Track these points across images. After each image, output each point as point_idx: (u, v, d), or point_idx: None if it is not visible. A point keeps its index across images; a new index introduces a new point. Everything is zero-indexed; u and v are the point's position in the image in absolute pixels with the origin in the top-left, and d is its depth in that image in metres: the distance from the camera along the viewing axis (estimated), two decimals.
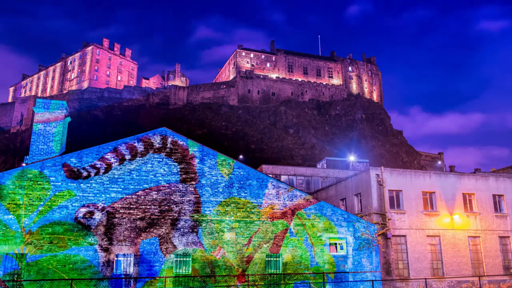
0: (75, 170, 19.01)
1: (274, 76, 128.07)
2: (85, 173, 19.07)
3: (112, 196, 19.07)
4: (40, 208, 18.17)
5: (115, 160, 19.54)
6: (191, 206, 19.90)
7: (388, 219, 24.41)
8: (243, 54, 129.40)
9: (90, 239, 18.36)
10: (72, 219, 18.37)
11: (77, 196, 18.69)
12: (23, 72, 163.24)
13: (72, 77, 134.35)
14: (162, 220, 19.39)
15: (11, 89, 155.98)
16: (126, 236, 18.80)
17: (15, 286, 17.15)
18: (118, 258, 18.65)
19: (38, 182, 18.49)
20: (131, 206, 19.19)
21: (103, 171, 19.28)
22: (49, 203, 18.31)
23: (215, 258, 19.58)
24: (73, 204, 18.56)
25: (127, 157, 19.71)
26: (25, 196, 18.18)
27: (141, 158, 19.88)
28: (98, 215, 18.71)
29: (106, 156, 19.46)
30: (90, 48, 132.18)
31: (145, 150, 20.03)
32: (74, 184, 18.81)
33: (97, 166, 19.28)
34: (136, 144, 19.99)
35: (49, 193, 18.45)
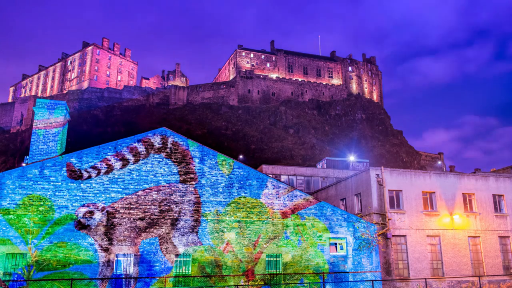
0: (76, 170, 19.01)
1: (274, 76, 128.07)
2: (86, 175, 19.07)
3: (112, 196, 19.07)
4: (40, 208, 18.17)
5: (116, 160, 19.52)
6: (191, 206, 19.90)
7: (388, 219, 24.40)
8: (243, 54, 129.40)
9: (90, 239, 18.36)
10: (72, 219, 18.37)
11: (77, 196, 18.69)
12: (23, 72, 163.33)
13: (72, 77, 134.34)
14: (162, 220, 19.40)
15: (11, 89, 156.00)
16: (126, 236, 18.80)
17: (16, 286, 17.15)
18: (118, 258, 18.66)
19: (38, 182, 18.50)
20: (131, 206, 19.19)
21: (104, 171, 19.29)
22: (49, 203, 18.32)
23: (215, 258, 19.58)
24: (73, 204, 18.56)
25: (130, 160, 19.71)
26: (25, 196, 18.19)
27: (143, 160, 19.89)
28: (98, 215, 18.71)
29: (109, 159, 19.45)
30: (90, 48, 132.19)
31: (146, 152, 20.03)
32: (74, 184, 18.81)
33: (98, 167, 19.28)
34: (137, 146, 19.97)
35: (49, 193, 18.46)
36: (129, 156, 19.75)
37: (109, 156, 19.50)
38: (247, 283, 19.59)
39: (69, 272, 17.78)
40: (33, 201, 18.21)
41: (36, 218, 18.03)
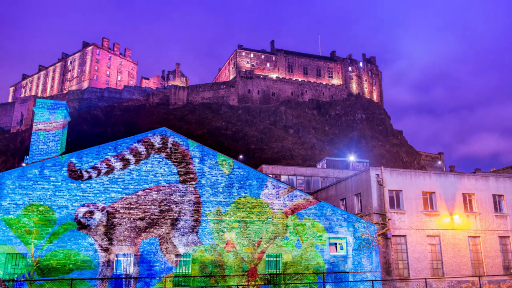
0: (77, 170, 19.01)
1: (274, 76, 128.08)
2: (86, 175, 19.07)
3: (112, 196, 19.07)
4: (40, 208, 18.17)
5: (116, 161, 19.53)
6: (191, 206, 19.90)
7: (388, 219, 24.40)
8: (243, 54, 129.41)
9: (90, 239, 18.36)
10: (72, 219, 18.37)
11: (77, 196, 18.69)
12: (23, 72, 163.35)
13: (72, 77, 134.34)
14: (162, 220, 19.40)
15: (11, 89, 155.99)
16: (126, 236, 18.80)
17: (16, 286, 17.14)
18: (118, 258, 18.65)
19: (38, 182, 18.50)
20: (131, 206, 19.19)
21: (104, 171, 19.29)
22: (49, 203, 18.32)
23: (215, 258, 19.58)
24: (73, 204, 18.56)
25: (131, 160, 19.70)
26: (25, 196, 18.19)
27: (143, 160, 19.90)
28: (98, 215, 18.71)
29: (110, 159, 19.45)
30: (90, 48, 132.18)
31: (147, 152, 20.03)
32: (74, 184, 18.81)
33: (99, 168, 19.29)
34: (138, 147, 19.97)
35: (49, 193, 18.46)
36: (129, 157, 19.75)
37: (110, 157, 19.50)
38: (247, 283, 19.59)
39: (69, 273, 17.77)
40: (33, 201, 18.20)
41: (36, 218, 18.02)
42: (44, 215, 18.13)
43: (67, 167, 18.97)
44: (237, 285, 19.33)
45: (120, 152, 19.68)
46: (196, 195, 20.10)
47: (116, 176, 19.34)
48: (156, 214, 19.39)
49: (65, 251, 17.95)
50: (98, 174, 19.17)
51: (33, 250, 17.68)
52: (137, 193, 19.42)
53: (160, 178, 19.83)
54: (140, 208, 19.26)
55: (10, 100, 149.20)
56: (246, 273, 19.75)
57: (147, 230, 19.11)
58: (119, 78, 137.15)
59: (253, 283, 19.66)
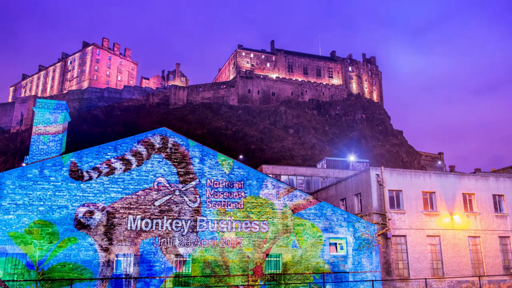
0: (77, 171, 19.01)
1: (274, 76, 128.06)
2: (87, 176, 19.08)
3: (112, 196, 19.07)
4: (40, 208, 18.17)
5: (116, 161, 19.53)
6: (191, 206, 19.90)
7: (388, 219, 24.40)
8: (243, 54, 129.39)
9: (90, 239, 18.36)
10: (72, 219, 18.37)
11: (77, 196, 18.69)
12: (23, 72, 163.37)
13: (72, 77, 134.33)
14: (162, 220, 19.40)
15: (11, 89, 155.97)
16: (126, 236, 18.80)
17: (16, 286, 17.14)
18: (118, 258, 18.66)
19: (38, 182, 18.50)
20: (131, 206, 19.19)
21: (105, 172, 19.29)
22: (49, 203, 18.31)
23: (215, 258, 19.59)
24: (73, 204, 18.56)
25: (133, 162, 19.71)
26: (25, 196, 18.18)
27: (144, 161, 19.91)
28: (98, 215, 18.71)
29: (111, 161, 19.45)
30: (90, 48, 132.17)
31: (148, 153, 20.04)
32: (74, 184, 18.81)
33: (100, 169, 19.30)
34: (139, 149, 19.96)
35: (49, 193, 18.45)
36: (131, 158, 19.75)
37: (111, 158, 19.49)
38: (247, 283, 19.59)
39: (70, 273, 17.78)
40: (33, 201, 18.20)
41: (36, 218, 18.02)
42: (44, 215, 18.12)
43: (67, 167, 18.98)
44: (237, 286, 19.33)
45: (122, 154, 19.68)
46: (196, 195, 20.11)
47: (116, 176, 19.34)
48: (156, 214, 19.39)
49: (65, 252, 17.96)
50: (99, 175, 19.18)
51: (34, 252, 17.67)
52: (137, 193, 19.42)
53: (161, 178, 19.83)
54: (140, 208, 19.27)
55: (10, 100, 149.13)
56: (248, 273, 19.74)
57: (147, 230, 19.12)
58: (119, 78, 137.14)
59: (253, 283, 19.66)
